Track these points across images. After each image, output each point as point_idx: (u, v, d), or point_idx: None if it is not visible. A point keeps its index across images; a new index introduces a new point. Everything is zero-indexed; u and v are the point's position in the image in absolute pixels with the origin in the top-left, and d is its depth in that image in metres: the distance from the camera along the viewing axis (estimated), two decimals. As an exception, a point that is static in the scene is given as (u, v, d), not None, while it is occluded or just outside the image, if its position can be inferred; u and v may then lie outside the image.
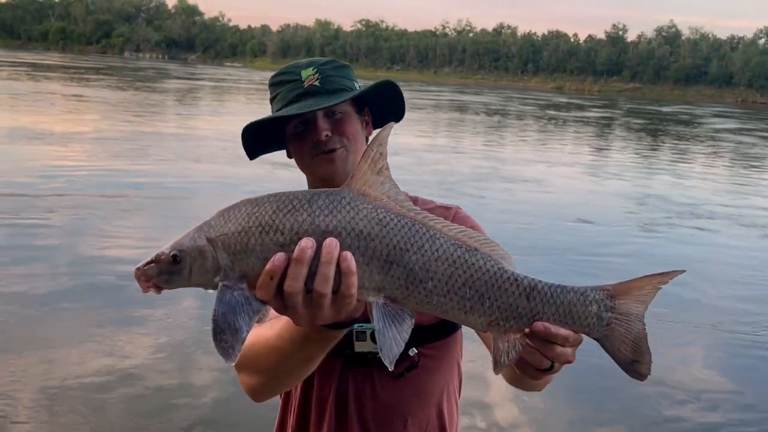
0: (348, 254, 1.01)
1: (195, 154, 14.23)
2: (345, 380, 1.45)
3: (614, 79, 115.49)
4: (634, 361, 1.08)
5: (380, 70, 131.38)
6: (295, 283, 1.00)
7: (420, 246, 1.04)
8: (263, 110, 1.67)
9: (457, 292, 1.04)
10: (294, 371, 1.29)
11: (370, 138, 1.58)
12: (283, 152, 1.59)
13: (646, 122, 37.87)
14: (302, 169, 1.53)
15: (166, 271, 1.04)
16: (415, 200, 1.58)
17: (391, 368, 1.02)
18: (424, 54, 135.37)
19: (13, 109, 20.09)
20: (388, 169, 1.09)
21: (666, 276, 1.10)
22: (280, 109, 1.47)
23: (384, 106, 1.56)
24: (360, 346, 1.39)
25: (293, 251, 1.00)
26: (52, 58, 71.87)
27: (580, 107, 49.07)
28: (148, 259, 1.05)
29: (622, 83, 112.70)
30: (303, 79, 1.46)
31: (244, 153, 1.54)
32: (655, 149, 23.74)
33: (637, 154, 21.56)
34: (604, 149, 22.79)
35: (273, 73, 1.55)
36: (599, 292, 1.07)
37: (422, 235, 1.05)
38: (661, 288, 1.10)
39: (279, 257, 1.00)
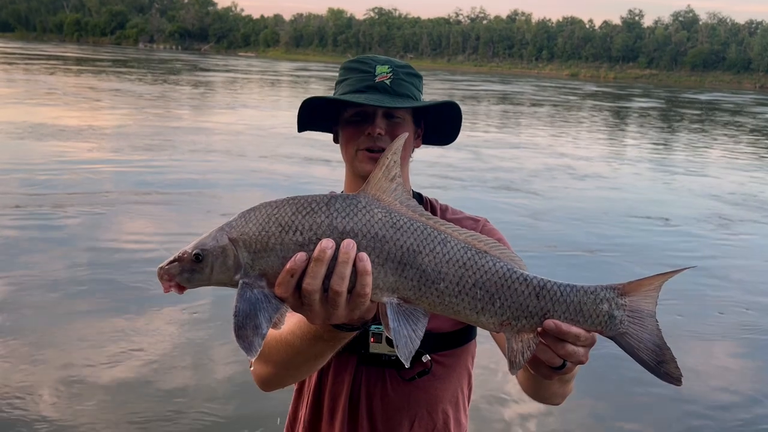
0: (364, 255, 1.05)
1: (241, 149, 14.15)
2: (359, 378, 1.48)
3: (630, 65, 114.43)
4: (658, 362, 1.08)
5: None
6: (314, 281, 1.03)
7: (432, 248, 1.08)
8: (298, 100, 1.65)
9: (468, 292, 1.08)
10: (303, 366, 1.34)
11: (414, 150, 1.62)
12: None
13: (694, 112, 36.11)
14: (344, 158, 1.55)
15: (189, 269, 1.08)
16: (444, 210, 1.63)
17: (407, 365, 1.04)
18: (437, 42, 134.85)
19: (64, 105, 19.91)
20: (400, 176, 1.13)
21: (673, 273, 1.12)
22: (345, 94, 1.49)
23: (440, 124, 1.59)
24: (375, 347, 1.43)
25: (312, 251, 1.04)
26: (73, 50, 72.29)
27: (619, 96, 47.97)
28: (171, 258, 1.09)
29: (638, 69, 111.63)
30: (376, 74, 1.49)
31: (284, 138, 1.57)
32: (722, 143, 22.46)
33: (708, 147, 20.64)
34: (668, 143, 21.69)
35: (349, 59, 1.59)
36: (609, 291, 1.09)
37: (434, 238, 1.08)
38: (664, 282, 1.12)
39: (300, 256, 1.04)
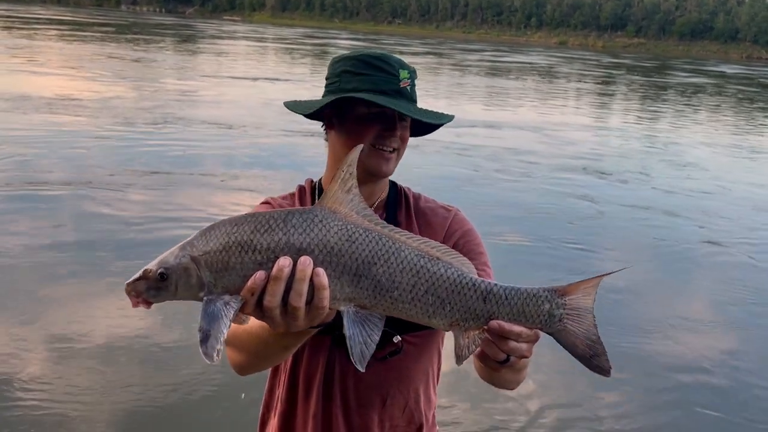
0: (320, 270, 1.11)
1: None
2: (332, 359, 1.56)
3: (618, 34, 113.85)
4: (591, 355, 1.19)
5: (381, 24, 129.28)
6: (273, 299, 1.11)
7: (386, 259, 1.14)
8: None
9: (421, 299, 1.15)
10: (274, 356, 1.44)
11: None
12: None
13: (748, 88, 34.36)
14: (339, 149, 1.55)
15: (154, 287, 1.13)
16: (417, 198, 1.68)
17: (362, 369, 1.14)
18: (425, 8, 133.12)
19: (88, 77, 18.77)
20: (356, 187, 1.19)
21: (607, 274, 1.22)
22: (365, 91, 1.48)
23: (424, 125, 1.62)
24: None
25: (271, 269, 1.10)
26: (63, 12, 69.64)
27: (659, 70, 45.16)
28: (137, 275, 1.15)
29: (626, 38, 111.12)
30: (400, 78, 1.52)
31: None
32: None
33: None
34: (751, 128, 20.15)
35: (361, 52, 1.56)
36: (551, 292, 1.17)
37: (389, 248, 1.14)
38: (600, 281, 1.22)
39: (259, 275, 1.10)
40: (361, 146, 1.24)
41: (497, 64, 42.05)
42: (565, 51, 73.36)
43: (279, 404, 1.65)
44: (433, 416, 1.71)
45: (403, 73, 1.52)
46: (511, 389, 1.54)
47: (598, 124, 18.64)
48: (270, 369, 1.69)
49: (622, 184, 10.96)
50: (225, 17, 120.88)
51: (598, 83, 32.99)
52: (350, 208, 1.17)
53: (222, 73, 22.60)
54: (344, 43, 50.91)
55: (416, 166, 10.10)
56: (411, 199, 1.66)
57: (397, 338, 1.53)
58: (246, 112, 14.76)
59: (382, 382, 1.56)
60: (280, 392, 1.65)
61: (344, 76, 1.52)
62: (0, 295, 5.11)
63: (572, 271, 6.46)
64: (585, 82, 33.62)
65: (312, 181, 1.68)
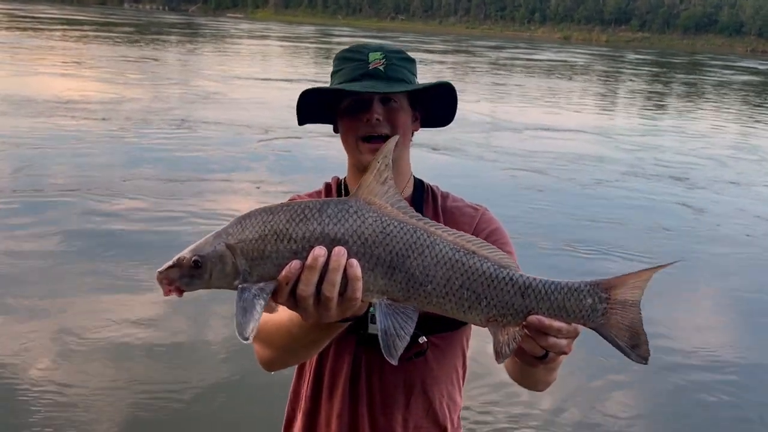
0: (354, 261, 1.10)
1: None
2: (358, 358, 1.56)
3: (622, 28, 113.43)
4: (633, 345, 1.17)
5: (384, 20, 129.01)
6: (307, 288, 1.11)
7: (420, 252, 1.12)
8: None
9: (455, 293, 1.13)
10: (302, 351, 1.43)
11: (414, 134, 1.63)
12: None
13: None
14: (345, 149, 1.58)
15: (188, 275, 1.12)
16: (445, 197, 1.65)
17: (394, 362, 1.12)
18: (428, 3, 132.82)
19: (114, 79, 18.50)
20: (392, 179, 1.18)
21: (660, 267, 1.17)
22: (340, 83, 1.51)
23: (436, 108, 1.62)
24: (373, 329, 1.49)
25: (305, 258, 1.10)
26: (68, 12, 68.98)
27: (694, 67, 43.81)
28: (169, 263, 1.14)
29: (630, 32, 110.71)
30: (369, 61, 1.51)
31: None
32: None
33: None
34: None
35: (342, 48, 1.60)
36: (594, 286, 1.15)
37: (423, 241, 1.13)
38: (653, 275, 1.18)
39: (294, 265, 1.10)
40: (397, 137, 1.23)
41: (532, 62, 41.11)
42: (589, 47, 72.42)
43: (304, 403, 1.64)
44: (458, 418, 1.69)
45: (374, 56, 1.50)
46: (540, 390, 1.52)
47: (676, 126, 17.80)
48: (295, 369, 1.69)
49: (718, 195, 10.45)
50: (228, 14, 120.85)
51: (647, 83, 32.09)
52: (385, 199, 1.16)
53: (243, 74, 22.26)
54: (363, 41, 50.80)
55: (480, 173, 9.79)
56: (439, 198, 1.64)
57: (422, 339, 1.51)
58: (270, 114, 14.60)
59: (406, 383, 1.55)
60: (304, 390, 1.64)
61: (332, 77, 1.56)
62: (8, 295, 5.12)
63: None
64: (631, 81, 32.62)
65: (338, 179, 1.67)
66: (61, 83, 16.57)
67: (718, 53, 75.47)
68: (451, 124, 1.68)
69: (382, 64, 1.49)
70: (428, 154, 10.83)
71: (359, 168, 1.53)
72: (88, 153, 9.89)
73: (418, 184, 1.64)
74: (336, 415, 1.57)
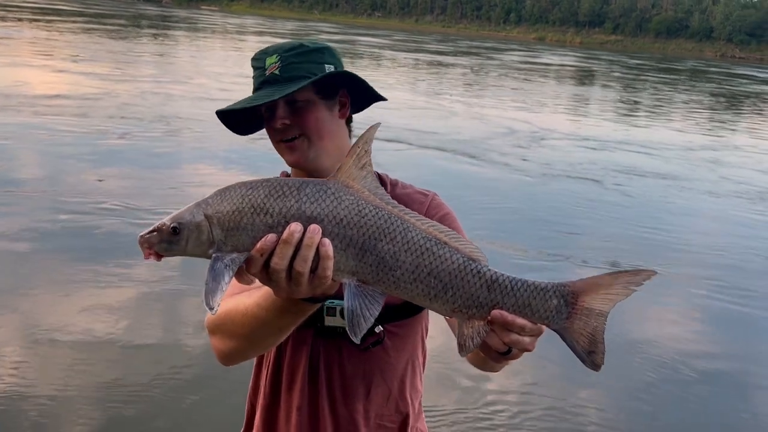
0: (327, 240, 1.13)
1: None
2: (316, 350, 1.57)
3: (596, 30, 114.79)
4: (589, 352, 1.19)
5: (360, 17, 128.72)
6: (281, 261, 1.14)
7: (393, 237, 1.15)
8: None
9: (423, 280, 1.16)
10: (266, 338, 1.44)
11: (349, 120, 1.64)
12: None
13: None
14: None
15: (166, 240, 1.17)
16: (395, 184, 1.67)
17: (357, 342, 1.15)
18: (405, 1, 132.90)
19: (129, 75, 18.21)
20: (371, 165, 1.21)
21: (635, 276, 1.15)
22: (248, 97, 1.54)
23: (359, 87, 1.60)
24: (330, 321, 1.52)
25: (281, 232, 1.13)
26: (51, 1, 67.44)
27: (698, 74, 43.46)
28: (151, 228, 1.19)
29: (603, 35, 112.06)
30: (266, 67, 1.53)
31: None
32: None
33: None
34: None
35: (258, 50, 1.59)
36: (561, 288, 1.16)
37: (396, 227, 1.16)
38: (634, 290, 1.15)
39: (270, 238, 1.14)
40: (379, 123, 1.25)
41: (543, 66, 40.31)
42: (588, 50, 72.06)
43: (263, 398, 1.65)
44: (420, 404, 1.72)
45: (269, 60, 1.51)
46: (496, 372, 1.55)
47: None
48: (254, 365, 1.70)
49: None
50: (202, 6, 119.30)
51: (675, 92, 31.19)
52: (363, 184, 1.19)
53: (223, 70, 21.81)
54: (365, 40, 50.47)
55: (537, 189, 9.64)
56: (388, 185, 1.65)
57: (378, 328, 1.53)
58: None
59: (366, 373, 1.57)
60: (264, 386, 1.65)
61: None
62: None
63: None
64: (657, 88, 31.64)
65: (287, 174, 1.68)
66: (34, 75, 16.19)
67: (689, 57, 76.38)
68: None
69: (277, 67, 1.50)
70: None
71: (290, 166, 1.58)
72: (61, 149, 9.72)
73: None
74: (296, 408, 1.58)
